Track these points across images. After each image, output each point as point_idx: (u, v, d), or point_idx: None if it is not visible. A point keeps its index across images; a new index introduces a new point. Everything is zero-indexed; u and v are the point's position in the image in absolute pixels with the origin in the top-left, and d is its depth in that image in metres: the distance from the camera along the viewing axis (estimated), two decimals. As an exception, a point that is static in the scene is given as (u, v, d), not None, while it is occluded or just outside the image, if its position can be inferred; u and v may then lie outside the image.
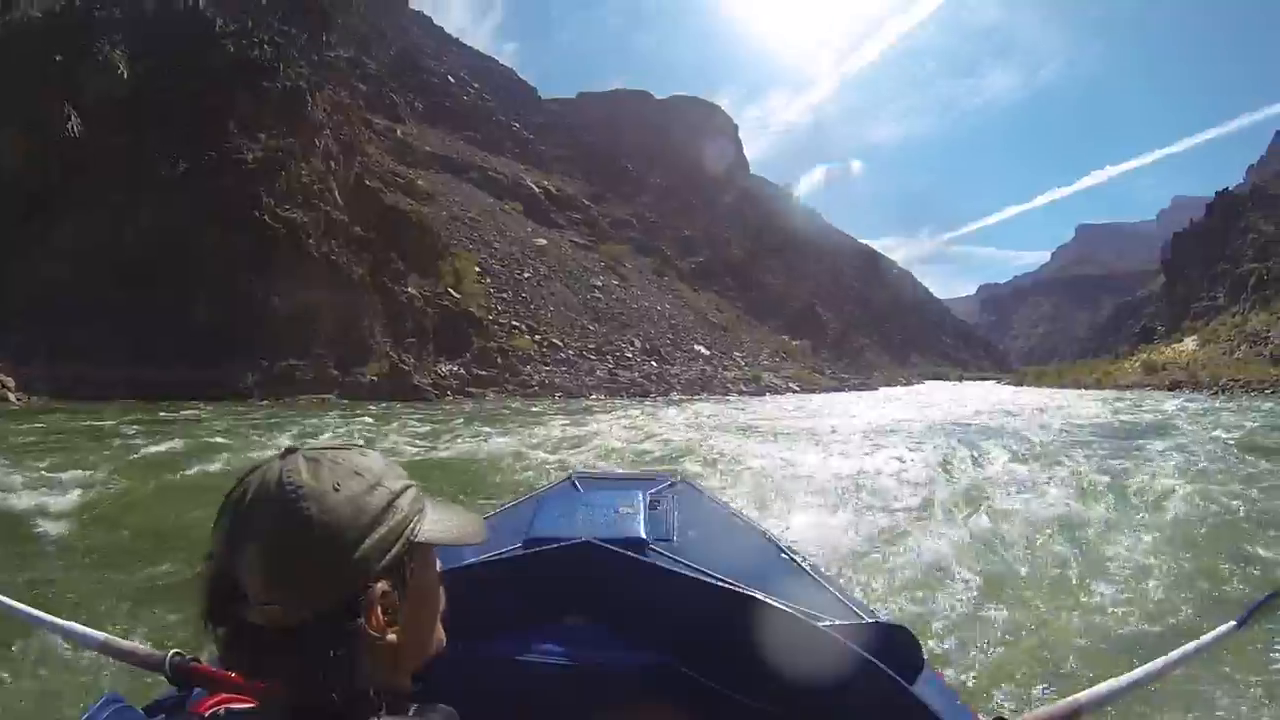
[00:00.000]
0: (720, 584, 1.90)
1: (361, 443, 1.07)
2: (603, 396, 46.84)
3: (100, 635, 1.58)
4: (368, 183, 50.28)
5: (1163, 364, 75.03)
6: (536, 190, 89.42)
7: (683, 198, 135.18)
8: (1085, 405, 37.00)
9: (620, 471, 7.75)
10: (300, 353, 36.40)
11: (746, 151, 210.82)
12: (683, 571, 1.96)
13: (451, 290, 49.92)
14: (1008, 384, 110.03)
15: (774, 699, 1.67)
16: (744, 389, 64.30)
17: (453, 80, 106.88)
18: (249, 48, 47.26)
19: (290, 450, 0.98)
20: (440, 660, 1.10)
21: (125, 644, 1.55)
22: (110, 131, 37.59)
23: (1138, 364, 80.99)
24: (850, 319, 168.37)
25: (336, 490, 0.93)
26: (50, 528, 7.48)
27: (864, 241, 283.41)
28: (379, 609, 0.93)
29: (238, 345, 34.53)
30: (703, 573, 2.00)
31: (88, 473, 10.47)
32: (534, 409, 32.01)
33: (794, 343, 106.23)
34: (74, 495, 8.79)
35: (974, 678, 4.13)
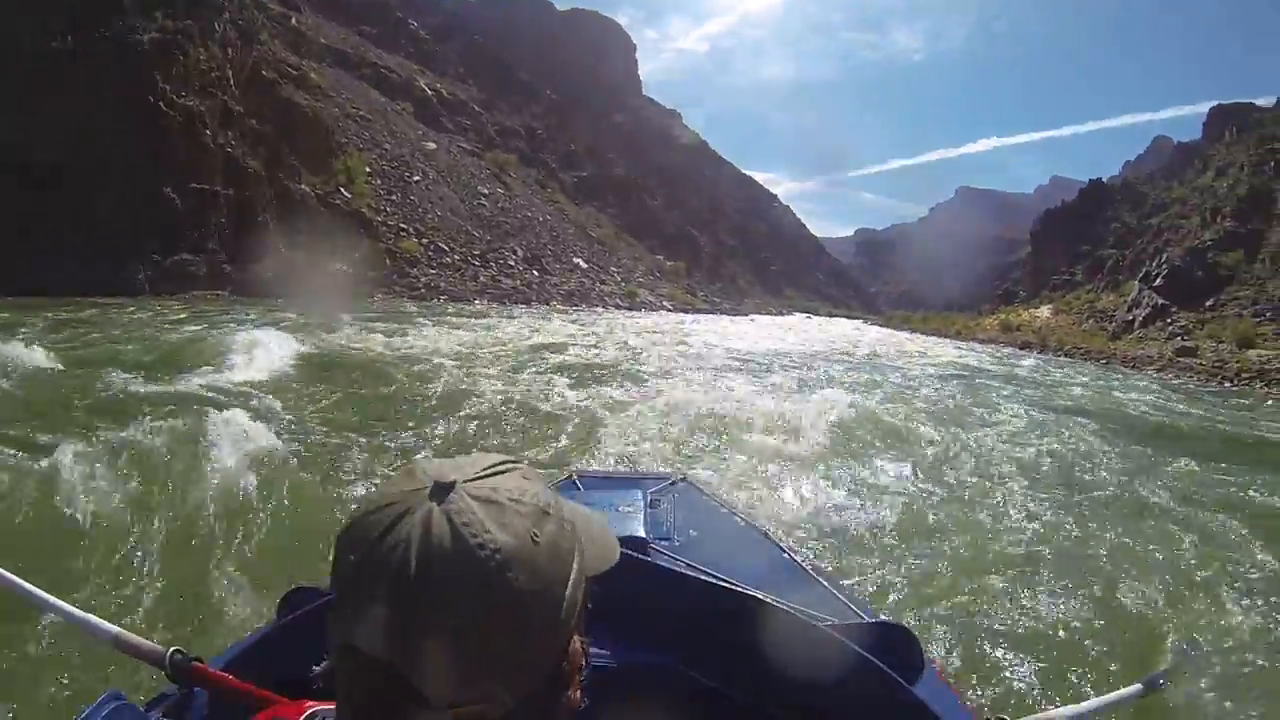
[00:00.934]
0: (721, 583, 1.91)
1: (505, 462, 0.79)
2: (486, 301, 49.04)
3: (112, 629, 1.58)
4: (264, 73, 49.44)
5: (1018, 325, 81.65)
6: (429, 92, 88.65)
7: (571, 111, 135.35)
8: (948, 351, 41.52)
9: (622, 470, 7.72)
10: (194, 247, 36.22)
11: (641, 73, 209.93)
12: (683, 570, 1.97)
13: (343, 189, 50.59)
14: (873, 324, 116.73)
15: (774, 698, 1.67)
16: (620, 303, 67.58)
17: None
18: None
19: (444, 486, 0.72)
20: None
21: (132, 638, 1.54)
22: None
23: (996, 322, 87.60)
24: (726, 246, 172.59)
25: (536, 542, 0.72)
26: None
27: (748, 173, 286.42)
28: (575, 669, 0.77)
29: (129, 239, 33.72)
30: (703, 572, 2.04)
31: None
32: (432, 313, 33.13)
33: (669, 263, 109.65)
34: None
35: (974, 678, 4.11)
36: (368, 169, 57.66)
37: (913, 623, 4.46)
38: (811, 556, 4.30)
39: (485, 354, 17.85)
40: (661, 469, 6.04)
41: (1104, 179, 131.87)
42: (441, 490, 0.72)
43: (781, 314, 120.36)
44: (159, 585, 4.39)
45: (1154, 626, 4.76)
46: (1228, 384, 38.71)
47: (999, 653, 4.33)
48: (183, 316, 23.31)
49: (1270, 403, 27.56)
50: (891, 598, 5.10)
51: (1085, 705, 1.66)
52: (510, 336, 23.45)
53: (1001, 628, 4.63)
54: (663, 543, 2.48)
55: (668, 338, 30.54)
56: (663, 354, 22.18)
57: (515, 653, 0.69)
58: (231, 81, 44.54)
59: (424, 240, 56.18)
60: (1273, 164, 78.93)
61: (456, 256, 57.92)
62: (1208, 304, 60.90)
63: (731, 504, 3.86)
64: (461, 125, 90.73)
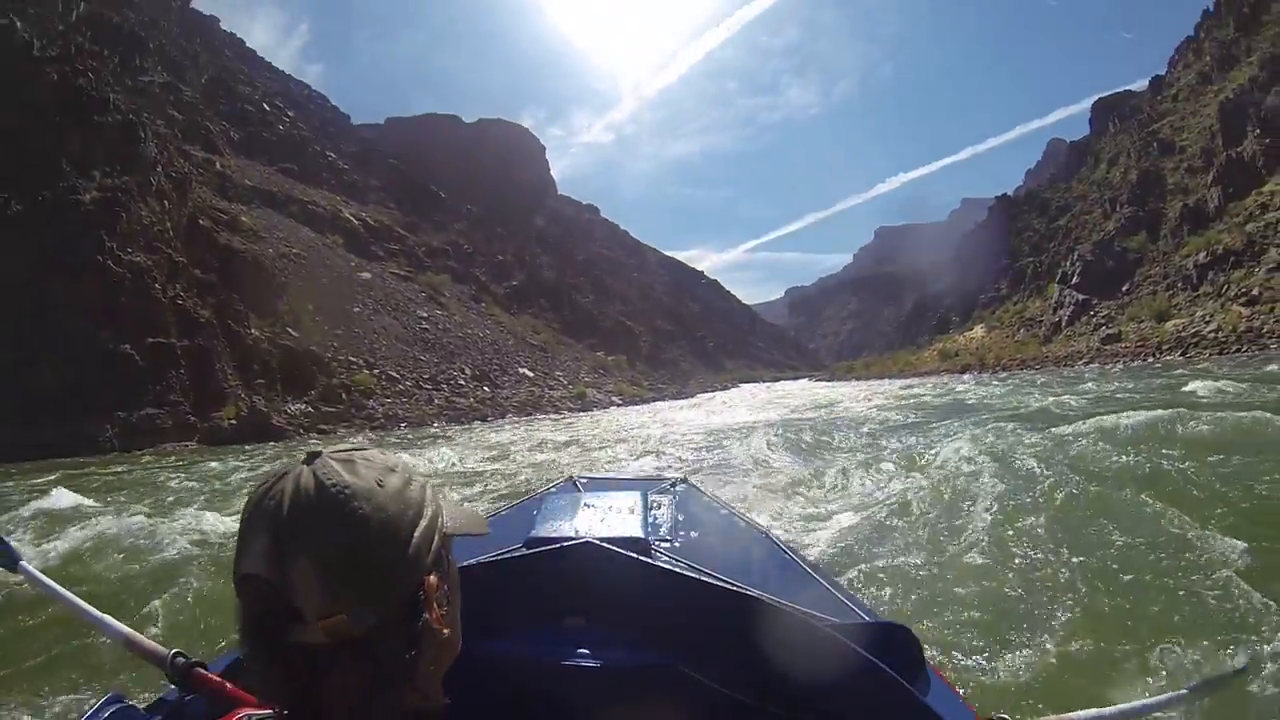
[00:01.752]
0: (721, 584, 1.94)
1: (366, 444, 1.03)
2: (444, 423, 48.96)
3: (124, 630, 1.70)
4: (201, 222, 49.69)
5: (955, 351, 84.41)
6: (355, 222, 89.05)
7: (494, 223, 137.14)
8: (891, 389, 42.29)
9: (622, 474, 7.69)
10: (157, 401, 35.79)
11: (552, 171, 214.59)
12: (683, 571, 1.98)
13: (290, 330, 50.34)
14: (819, 380, 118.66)
15: (775, 699, 1.72)
16: (571, 405, 67.68)
17: (268, 108, 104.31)
18: (73, 75, 44.83)
19: (314, 454, 0.95)
20: None
21: (142, 640, 1.65)
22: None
23: (935, 353, 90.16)
24: (662, 331, 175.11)
25: (381, 486, 0.90)
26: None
27: (670, 254, 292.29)
28: (435, 603, 0.92)
29: (92, 400, 33.47)
30: (703, 573, 2.06)
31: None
32: (391, 440, 33.16)
33: (609, 358, 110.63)
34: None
35: (974, 678, 4.14)
36: (310, 306, 57.57)
37: (913, 623, 4.31)
38: (812, 557, 4.19)
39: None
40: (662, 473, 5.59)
41: (1010, 192, 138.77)
42: (312, 457, 0.92)
43: (724, 389, 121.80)
44: (169, 594, 4.54)
45: (1146, 624, 4.61)
46: (1150, 359, 41.14)
47: (999, 653, 4.35)
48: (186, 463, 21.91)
49: (1181, 370, 29.60)
50: (892, 599, 5.19)
51: (1110, 710, 1.66)
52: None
53: (1001, 628, 4.65)
54: (663, 544, 2.52)
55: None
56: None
57: (369, 571, 0.85)
58: (172, 234, 44.63)
59: (375, 371, 55.98)
60: (1155, 145, 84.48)
61: (409, 383, 57.69)
62: (1124, 289, 64.49)
63: (732, 505, 3.87)
64: (391, 251, 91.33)
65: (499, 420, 51.33)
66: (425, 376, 60.98)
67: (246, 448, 31.85)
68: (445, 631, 0.94)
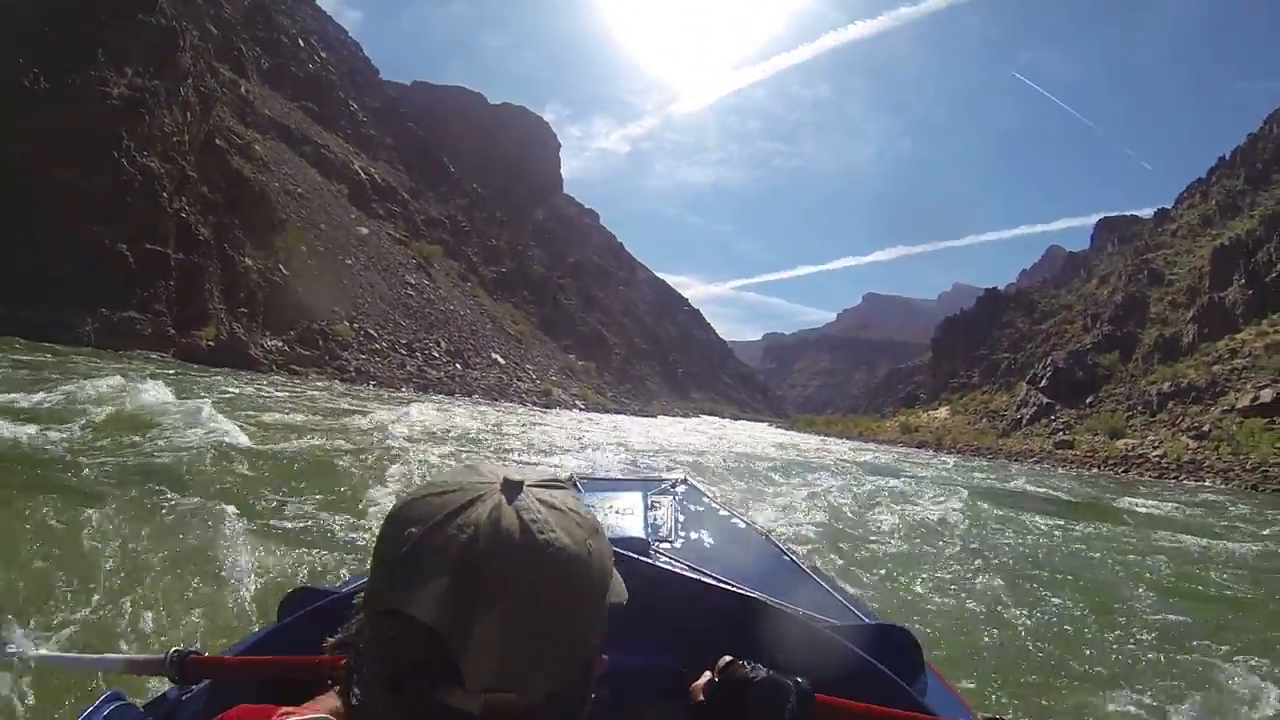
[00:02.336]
0: (721, 585, 1.95)
1: (565, 479, 0.91)
2: (412, 390, 49.38)
3: (120, 658, 1.66)
4: (217, 141, 49.74)
5: (917, 426, 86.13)
6: (362, 176, 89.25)
7: (495, 206, 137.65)
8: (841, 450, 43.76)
9: (622, 474, 7.54)
10: (141, 307, 35.88)
11: (563, 170, 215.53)
12: (683, 572, 2.00)
13: (281, 267, 50.42)
14: (778, 427, 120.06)
15: None
16: (536, 400, 68.32)
17: (303, 44, 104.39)
18: None
19: (514, 484, 0.79)
20: None
21: (139, 658, 1.61)
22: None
23: (897, 424, 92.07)
24: (636, 348, 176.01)
25: (590, 552, 0.78)
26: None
27: (660, 275, 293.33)
28: (596, 683, 0.82)
29: (79, 291, 33.52)
30: (703, 574, 2.08)
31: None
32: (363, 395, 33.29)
33: (580, 362, 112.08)
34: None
35: (974, 679, 4.14)
36: (303, 248, 57.56)
37: (913, 625, 4.44)
38: (812, 559, 4.13)
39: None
40: (663, 474, 5.51)
41: (1002, 286, 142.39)
42: (512, 488, 0.78)
43: (686, 416, 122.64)
44: (162, 592, 4.53)
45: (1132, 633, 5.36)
46: (1096, 470, 42.94)
47: (999, 655, 4.42)
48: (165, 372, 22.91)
49: (1114, 484, 31.29)
50: (892, 601, 5.29)
51: None
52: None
53: (1000, 631, 4.78)
54: (663, 544, 2.50)
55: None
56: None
57: (553, 651, 0.73)
58: (187, 147, 44.60)
59: (355, 325, 56.16)
60: (1146, 273, 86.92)
61: (384, 344, 57.98)
62: (1088, 401, 66.08)
63: (732, 506, 3.73)
64: (391, 211, 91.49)
65: (465, 398, 51.71)
66: (401, 341, 61.27)
67: (222, 372, 31.75)
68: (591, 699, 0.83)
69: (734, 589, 1.91)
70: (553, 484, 0.83)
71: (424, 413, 23.75)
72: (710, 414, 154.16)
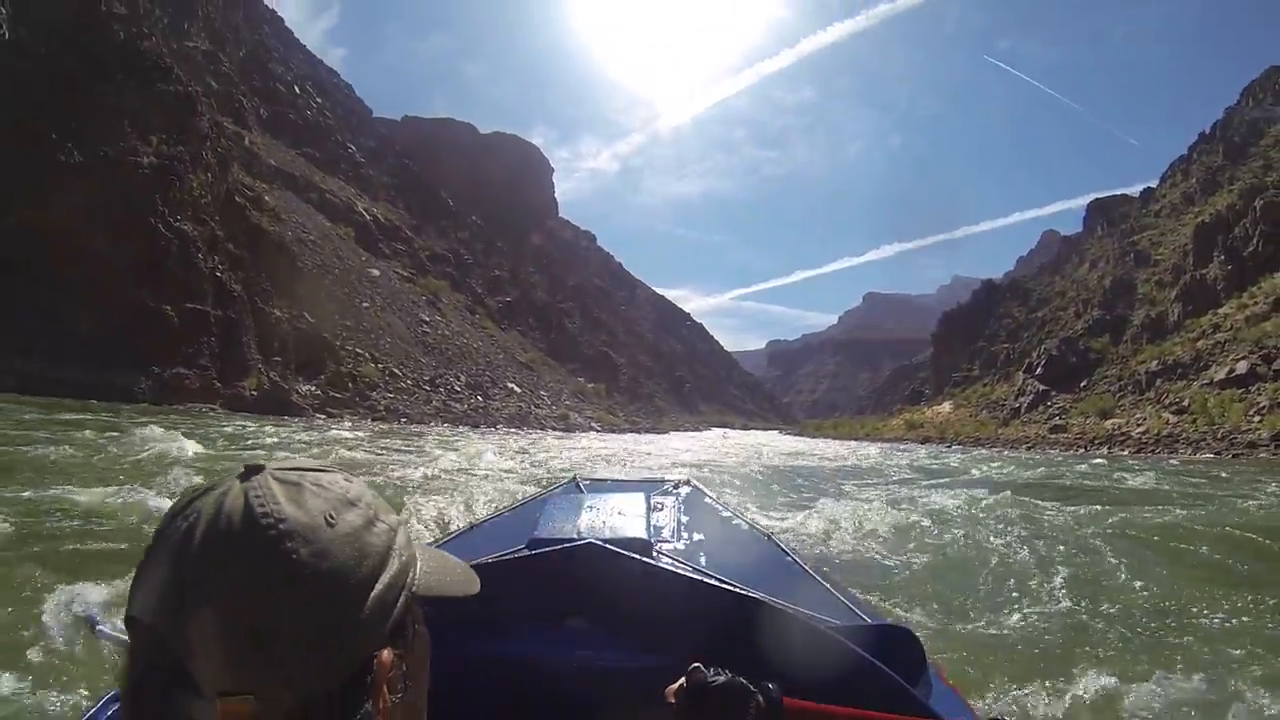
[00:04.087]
0: (723, 585, 1.94)
1: (330, 466, 0.77)
2: (440, 424, 51.10)
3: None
4: (236, 199, 51.85)
5: (921, 422, 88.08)
6: (367, 217, 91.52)
7: (494, 235, 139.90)
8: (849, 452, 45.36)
9: (626, 476, 7.38)
10: (187, 363, 37.70)
11: (556, 193, 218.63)
12: (685, 573, 1.99)
13: (306, 314, 52.24)
14: (787, 434, 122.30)
15: None
16: (555, 426, 70.33)
17: (299, 91, 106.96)
18: (138, 36, 46.38)
19: (254, 468, 0.71)
20: (443, 660, 0.91)
21: None
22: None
23: (901, 422, 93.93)
24: (642, 366, 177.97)
25: (331, 524, 0.67)
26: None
27: (659, 291, 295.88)
28: (385, 687, 0.68)
29: (125, 351, 35.23)
30: (706, 574, 2.09)
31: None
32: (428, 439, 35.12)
33: (589, 385, 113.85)
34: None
35: (976, 680, 4.12)
36: (322, 294, 59.29)
37: (914, 625, 4.40)
38: (813, 560, 4.20)
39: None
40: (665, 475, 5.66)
41: (998, 277, 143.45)
42: (250, 472, 0.70)
43: (697, 430, 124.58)
44: None
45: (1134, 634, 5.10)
46: (1082, 450, 45.22)
47: (1000, 655, 4.34)
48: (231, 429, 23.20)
49: (1099, 460, 33.36)
50: (894, 600, 5.19)
51: None
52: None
53: (1002, 630, 4.67)
54: (665, 545, 2.52)
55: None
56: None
57: (294, 639, 0.62)
58: (213, 207, 46.61)
59: (380, 365, 58.13)
60: (1133, 255, 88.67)
61: (409, 381, 60.02)
62: (1081, 385, 68.14)
63: (735, 508, 3.85)
64: (396, 250, 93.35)
65: (491, 429, 53.56)
66: (425, 378, 63.32)
67: (267, 418, 33.69)
68: (397, 716, 0.70)
69: (736, 589, 1.91)
70: (312, 469, 0.74)
71: (487, 445, 25.08)
72: (720, 426, 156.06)
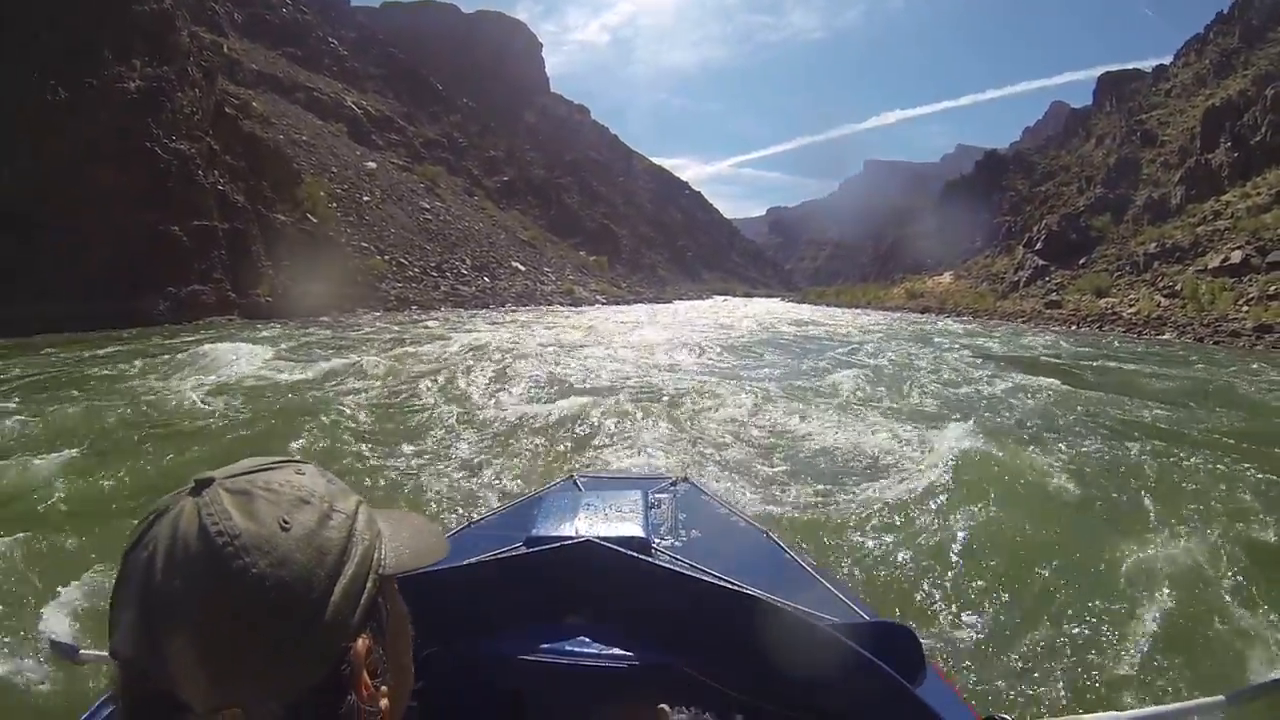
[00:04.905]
0: (722, 583, 1.94)
1: (280, 460, 0.78)
2: (450, 307, 53.16)
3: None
4: (227, 110, 52.32)
5: (921, 292, 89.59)
6: (357, 111, 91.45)
7: (487, 116, 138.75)
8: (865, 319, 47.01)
9: (622, 471, 7.96)
10: (202, 279, 39.39)
11: (547, 69, 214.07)
12: (684, 571, 1.99)
13: (309, 216, 53.73)
14: (789, 301, 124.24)
15: (775, 698, 1.69)
16: (561, 300, 72.56)
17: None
18: None
19: (203, 483, 0.71)
20: (442, 659, 1.04)
21: None
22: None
23: (903, 291, 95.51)
24: (643, 236, 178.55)
25: (285, 528, 0.69)
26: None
27: (657, 161, 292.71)
28: (365, 674, 0.72)
29: (141, 277, 36.51)
30: (704, 572, 2.07)
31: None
32: (437, 322, 36.16)
33: (591, 258, 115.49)
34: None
35: (975, 678, 4.08)
36: (323, 193, 60.43)
37: (914, 622, 4.40)
38: (813, 556, 4.10)
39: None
40: (662, 471, 5.67)
41: (1004, 147, 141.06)
42: (200, 486, 0.71)
43: (700, 298, 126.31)
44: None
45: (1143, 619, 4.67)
46: (1075, 327, 47.14)
47: (1000, 653, 4.32)
48: (268, 334, 24.22)
49: (1091, 335, 36.15)
50: (892, 597, 5.10)
51: (1141, 711, 1.69)
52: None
53: (1001, 628, 4.61)
54: (664, 543, 2.52)
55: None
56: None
57: (267, 648, 0.65)
58: (205, 122, 47.20)
59: (386, 257, 59.89)
60: (1140, 133, 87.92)
61: (416, 269, 61.96)
62: (1080, 262, 69.33)
63: (733, 504, 3.87)
64: (391, 141, 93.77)
65: (499, 308, 55.45)
66: (431, 264, 65.29)
67: (289, 323, 35.96)
68: (383, 703, 0.74)
69: (734, 587, 1.91)
70: (260, 468, 0.75)
71: (510, 325, 28.14)
72: (723, 294, 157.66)
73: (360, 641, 0.72)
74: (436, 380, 14.29)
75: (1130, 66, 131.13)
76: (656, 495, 3.10)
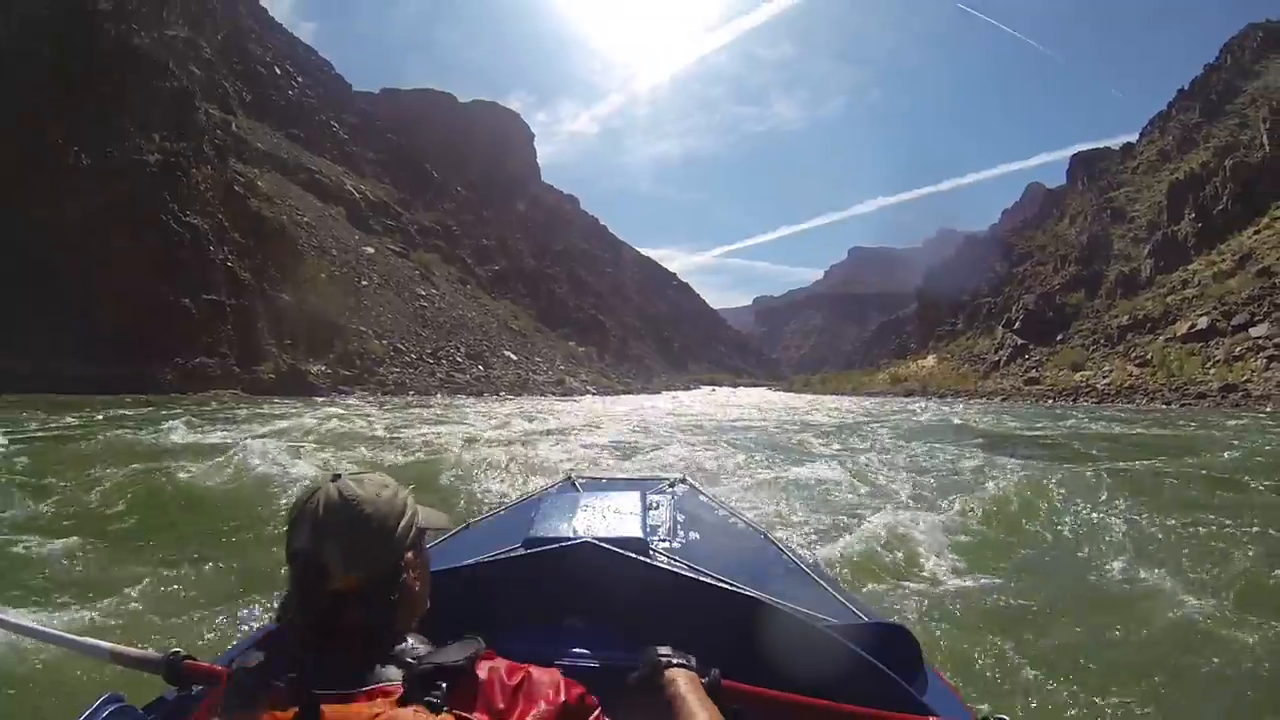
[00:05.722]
0: (720, 584, 1.99)
1: (374, 471, 1.44)
2: (446, 395, 52.67)
3: (107, 646, 1.79)
4: (236, 189, 53.01)
5: (905, 376, 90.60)
6: (356, 196, 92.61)
7: (480, 205, 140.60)
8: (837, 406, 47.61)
9: (620, 473, 8.13)
10: (208, 352, 39.57)
11: (538, 158, 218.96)
12: (682, 572, 2.04)
13: (312, 296, 53.61)
14: (775, 390, 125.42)
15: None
16: (553, 391, 72.50)
17: (279, 72, 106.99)
18: (129, 34, 47.44)
19: (336, 475, 1.35)
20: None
21: (128, 651, 1.79)
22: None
23: (887, 376, 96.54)
24: (631, 328, 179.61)
25: (379, 496, 1.32)
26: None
27: (644, 251, 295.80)
28: (412, 571, 1.36)
29: (149, 344, 36.84)
30: (702, 573, 2.10)
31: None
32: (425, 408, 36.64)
33: (580, 349, 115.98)
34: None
35: (974, 678, 4.10)
36: (323, 275, 61.24)
37: (911, 621, 4.53)
38: (810, 558, 4.23)
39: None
40: (660, 473, 5.72)
41: (984, 229, 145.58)
42: (335, 477, 1.34)
43: (688, 389, 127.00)
44: (162, 592, 4.86)
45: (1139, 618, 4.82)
46: (1050, 401, 48.34)
47: (998, 653, 4.33)
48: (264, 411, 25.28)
49: (1063, 407, 36.86)
50: (889, 598, 5.13)
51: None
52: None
53: (1000, 628, 4.64)
54: (661, 544, 2.55)
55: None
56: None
57: (372, 549, 1.29)
58: (216, 199, 48.12)
59: (384, 341, 60.10)
60: (1109, 211, 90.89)
61: (413, 355, 62.14)
62: (1058, 339, 71.01)
63: (730, 506, 3.91)
64: (387, 227, 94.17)
65: (494, 397, 55.28)
66: (427, 351, 65.41)
67: (287, 400, 35.22)
68: (416, 587, 1.38)
69: (732, 588, 1.95)
70: (364, 473, 1.40)
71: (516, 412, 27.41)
72: (710, 384, 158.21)
73: (409, 554, 1.35)
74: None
75: (1101, 145, 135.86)
76: (654, 496, 3.14)
